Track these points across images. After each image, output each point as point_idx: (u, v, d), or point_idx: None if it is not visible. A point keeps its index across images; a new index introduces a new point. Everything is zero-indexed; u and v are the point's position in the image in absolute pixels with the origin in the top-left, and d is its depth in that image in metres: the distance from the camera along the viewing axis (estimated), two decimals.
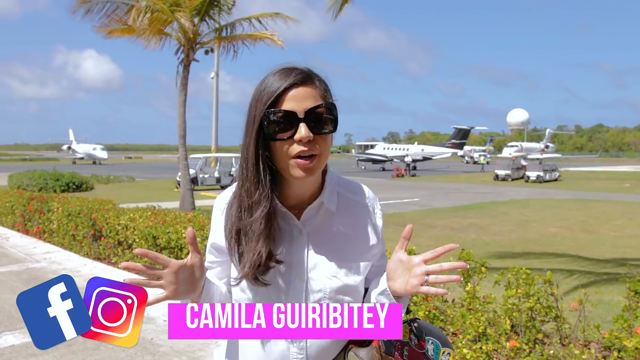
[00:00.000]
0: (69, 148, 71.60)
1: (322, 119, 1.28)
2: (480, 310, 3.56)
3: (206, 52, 15.56)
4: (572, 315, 3.68)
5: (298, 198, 1.39)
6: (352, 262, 1.40)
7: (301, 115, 1.25)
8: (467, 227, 13.36)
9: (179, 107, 14.25)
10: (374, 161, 52.63)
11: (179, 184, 20.15)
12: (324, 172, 1.42)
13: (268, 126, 1.26)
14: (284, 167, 1.30)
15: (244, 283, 1.37)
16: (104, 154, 64.99)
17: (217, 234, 1.42)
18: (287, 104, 1.26)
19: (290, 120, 1.25)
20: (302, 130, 1.24)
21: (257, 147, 1.29)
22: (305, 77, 1.30)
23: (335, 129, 1.30)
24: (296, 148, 1.26)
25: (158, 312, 5.64)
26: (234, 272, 1.39)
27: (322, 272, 1.36)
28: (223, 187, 27.34)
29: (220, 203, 1.44)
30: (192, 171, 20.70)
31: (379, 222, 1.47)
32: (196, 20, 14.01)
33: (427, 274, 1.24)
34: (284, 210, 1.37)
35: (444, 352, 1.42)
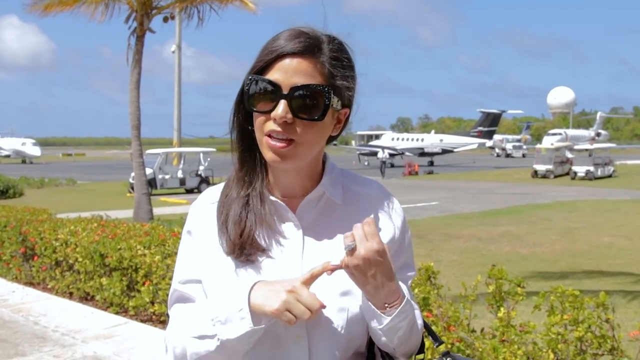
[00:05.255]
0: None
1: (310, 101, 1.31)
2: (517, 342, 3.57)
3: (165, 20, 15.53)
4: (632, 347, 3.70)
5: (286, 189, 1.44)
6: None
7: (285, 91, 1.30)
8: (499, 237, 13.42)
9: (131, 89, 14.20)
10: (388, 155, 52.72)
11: (132, 188, 20.11)
12: (323, 161, 1.48)
13: (248, 93, 1.34)
14: (259, 144, 1.37)
15: (234, 267, 1.40)
16: (35, 151, 64.81)
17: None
18: (276, 74, 1.32)
19: (273, 93, 1.31)
20: (280, 108, 1.29)
21: (236, 111, 1.42)
22: (310, 48, 1.33)
23: (322, 117, 1.32)
24: (270, 125, 1.32)
25: (109, 351, 5.63)
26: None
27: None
28: (188, 191, 27.45)
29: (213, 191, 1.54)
30: (149, 171, 20.63)
31: (398, 219, 1.50)
32: None
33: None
34: (273, 199, 1.42)
35: None
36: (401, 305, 1.30)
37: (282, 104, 1.29)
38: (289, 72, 1.31)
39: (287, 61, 1.31)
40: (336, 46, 1.37)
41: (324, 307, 1.25)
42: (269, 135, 1.32)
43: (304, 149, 1.34)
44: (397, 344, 1.35)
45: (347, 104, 1.41)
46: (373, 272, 1.25)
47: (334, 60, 1.35)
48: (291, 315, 1.22)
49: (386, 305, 1.30)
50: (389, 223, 1.48)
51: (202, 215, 1.48)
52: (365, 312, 1.34)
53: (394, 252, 1.44)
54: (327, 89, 1.32)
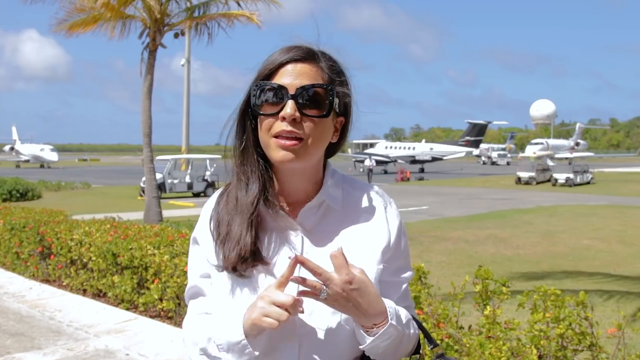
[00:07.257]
0: (12, 149, 71.40)
1: (316, 99, 1.31)
2: (502, 338, 3.56)
3: (175, 35, 15.53)
4: (610, 343, 3.68)
5: (290, 195, 1.42)
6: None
7: (292, 92, 1.30)
8: (485, 240, 13.41)
9: (144, 100, 14.19)
10: (375, 162, 52.82)
11: (143, 191, 20.07)
12: (324, 168, 1.45)
13: (256, 99, 1.33)
14: (266, 147, 1.35)
15: (230, 281, 1.38)
16: (53, 156, 64.74)
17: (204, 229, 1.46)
18: (281, 79, 1.32)
19: (280, 95, 1.30)
20: (289, 107, 1.29)
21: (242, 120, 1.38)
22: (308, 54, 1.36)
23: (328, 114, 1.33)
24: (279, 126, 1.30)
25: (119, 345, 5.60)
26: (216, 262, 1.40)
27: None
28: (195, 195, 27.43)
29: (214, 196, 1.50)
30: (158, 176, 20.61)
31: (394, 223, 1.46)
32: None
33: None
34: (275, 204, 1.39)
35: None
36: (384, 328, 1.27)
37: (290, 104, 1.29)
38: (294, 76, 1.32)
39: (290, 67, 1.33)
40: (331, 57, 1.40)
41: (298, 300, 1.22)
42: (277, 137, 1.30)
43: (312, 147, 1.32)
44: (382, 357, 1.33)
45: (343, 112, 1.40)
46: (353, 300, 1.23)
47: (331, 68, 1.38)
48: (270, 319, 1.20)
49: (374, 325, 1.27)
50: (385, 227, 1.44)
51: (207, 222, 1.46)
52: (355, 330, 1.32)
53: (390, 256, 1.42)
54: (330, 87, 1.33)
